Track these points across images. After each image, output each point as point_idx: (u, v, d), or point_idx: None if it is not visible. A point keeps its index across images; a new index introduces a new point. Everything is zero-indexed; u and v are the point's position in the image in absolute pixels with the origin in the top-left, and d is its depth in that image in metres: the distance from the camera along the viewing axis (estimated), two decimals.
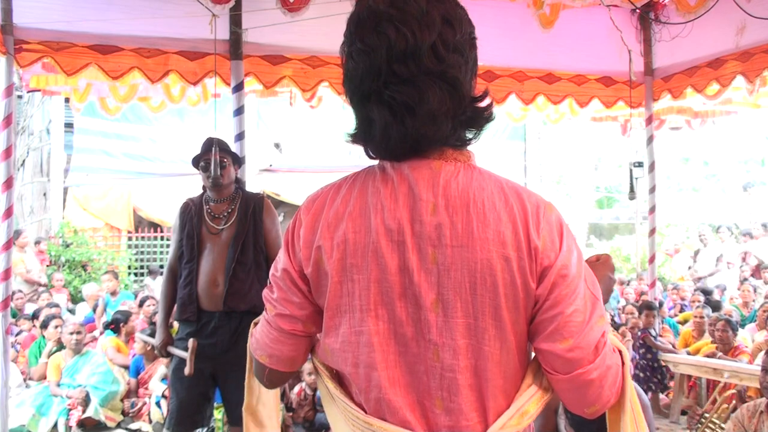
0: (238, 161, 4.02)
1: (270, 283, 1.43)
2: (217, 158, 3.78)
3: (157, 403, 6.15)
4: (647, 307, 6.43)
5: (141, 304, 7.83)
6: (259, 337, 1.46)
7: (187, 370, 3.66)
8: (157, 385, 6.23)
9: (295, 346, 1.42)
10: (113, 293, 8.87)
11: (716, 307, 7.89)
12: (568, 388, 1.29)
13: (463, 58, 1.30)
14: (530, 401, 1.30)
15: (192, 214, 3.85)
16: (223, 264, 3.72)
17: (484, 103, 1.34)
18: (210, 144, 3.83)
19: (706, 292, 9.69)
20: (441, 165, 1.30)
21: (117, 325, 7.15)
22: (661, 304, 7.39)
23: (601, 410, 1.33)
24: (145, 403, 6.28)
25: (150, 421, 6.18)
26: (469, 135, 1.35)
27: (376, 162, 1.37)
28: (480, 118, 1.34)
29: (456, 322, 1.25)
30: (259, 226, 3.81)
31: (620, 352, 1.35)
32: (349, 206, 1.31)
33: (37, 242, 10.31)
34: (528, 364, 1.34)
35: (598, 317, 1.28)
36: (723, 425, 4.61)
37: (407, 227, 1.27)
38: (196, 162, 3.89)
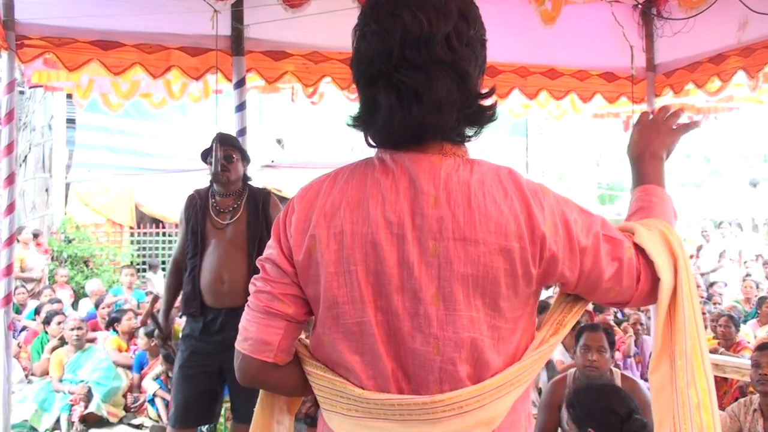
0: (247, 157, 4.00)
1: (258, 260, 1.42)
2: (218, 154, 3.77)
3: (150, 401, 6.16)
4: None
5: (143, 299, 7.87)
6: (239, 325, 1.41)
7: (140, 321, 3.76)
8: (150, 384, 6.23)
9: (267, 325, 1.35)
10: (130, 287, 8.91)
11: (708, 297, 7.93)
12: (636, 303, 1.42)
13: (473, 54, 1.31)
14: (562, 313, 1.41)
15: (197, 208, 3.82)
16: (229, 261, 3.69)
17: (488, 102, 1.35)
18: (215, 139, 3.83)
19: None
20: (441, 159, 1.30)
21: (112, 324, 7.18)
22: None
23: (654, 281, 1.41)
24: (146, 399, 6.29)
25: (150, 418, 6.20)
26: (470, 132, 1.36)
27: (373, 153, 1.38)
28: (483, 116, 1.34)
29: (457, 315, 1.25)
30: (269, 222, 3.79)
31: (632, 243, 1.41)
32: (347, 196, 1.31)
33: (36, 235, 10.23)
34: (530, 343, 1.36)
35: (620, 249, 1.36)
36: None
37: (408, 220, 1.27)
38: (204, 157, 3.89)
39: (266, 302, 1.36)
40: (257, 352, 1.36)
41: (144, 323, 3.86)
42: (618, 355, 6.36)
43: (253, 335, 1.36)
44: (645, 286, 1.38)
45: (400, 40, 1.26)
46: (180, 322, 4.04)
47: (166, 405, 5.97)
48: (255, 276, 1.41)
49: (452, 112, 1.29)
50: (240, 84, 5.02)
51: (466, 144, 1.37)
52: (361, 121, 1.35)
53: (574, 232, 1.30)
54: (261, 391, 1.54)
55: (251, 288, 1.40)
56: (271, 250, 1.39)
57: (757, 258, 11.17)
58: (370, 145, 1.37)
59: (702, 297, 8.21)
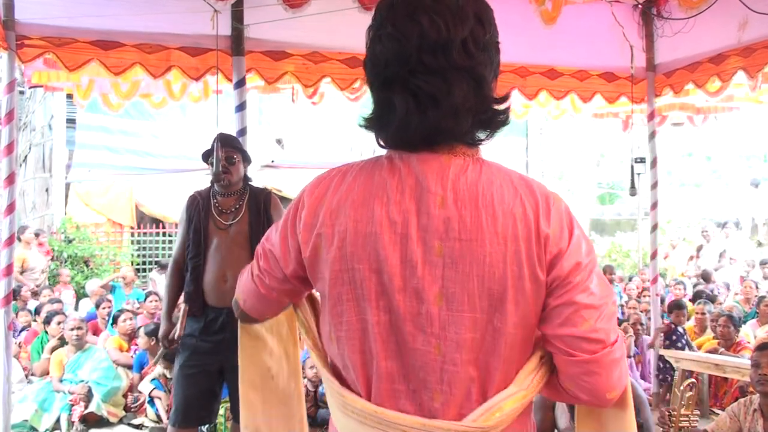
0: (248, 158, 4.00)
1: (262, 244, 1.50)
2: (218, 154, 3.76)
3: (150, 401, 6.16)
4: (677, 307, 6.63)
5: (144, 299, 7.86)
6: (242, 279, 1.59)
7: (176, 335, 3.71)
8: (146, 386, 6.22)
9: (266, 304, 1.58)
10: (127, 284, 8.90)
11: (711, 299, 7.93)
12: (592, 370, 1.28)
13: (489, 59, 1.31)
14: (507, 400, 1.28)
15: (199, 208, 3.81)
16: (233, 260, 3.69)
17: (502, 106, 1.34)
18: (216, 140, 3.82)
19: (705, 278, 9.84)
20: (450, 159, 1.30)
21: (115, 321, 7.19)
22: (663, 300, 7.40)
23: (619, 395, 1.34)
24: (146, 400, 6.29)
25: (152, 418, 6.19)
26: (482, 135, 1.35)
27: (371, 153, 1.38)
28: (497, 121, 1.34)
29: (462, 316, 1.25)
30: (271, 222, 3.79)
31: None
32: (352, 195, 1.31)
33: (37, 234, 10.21)
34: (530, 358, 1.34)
35: (613, 303, 1.31)
36: (694, 413, 4.60)
37: (413, 220, 1.27)
38: (205, 157, 3.89)
39: (266, 291, 1.51)
40: (254, 314, 1.64)
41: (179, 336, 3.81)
42: None
43: (251, 304, 1.60)
44: (617, 354, 1.30)
45: (417, 44, 1.25)
46: None
47: (166, 405, 5.98)
48: (258, 253, 1.51)
49: (468, 117, 1.28)
50: (240, 84, 5.02)
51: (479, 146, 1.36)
52: (373, 123, 1.34)
53: (577, 243, 1.28)
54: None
55: (255, 269, 1.52)
56: (275, 242, 1.43)
57: (752, 264, 11.18)
58: (381, 146, 1.37)
59: (703, 297, 8.19)
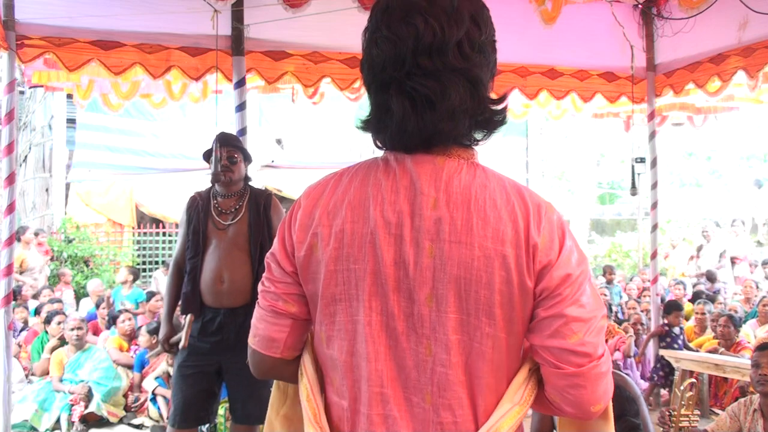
0: (249, 157, 3.99)
1: (266, 257, 1.45)
2: (218, 154, 3.75)
3: (152, 400, 6.16)
4: (676, 308, 6.60)
5: (148, 299, 7.86)
6: (252, 321, 1.47)
7: (181, 344, 3.68)
8: (150, 384, 6.23)
9: (274, 323, 1.40)
10: (125, 282, 8.90)
11: (711, 299, 7.94)
12: (578, 383, 1.27)
13: (485, 59, 1.31)
14: (504, 418, 1.27)
15: (199, 209, 3.80)
16: (230, 261, 3.68)
17: (499, 107, 1.34)
18: (216, 140, 3.82)
19: (711, 278, 9.85)
20: (444, 161, 1.30)
21: (114, 321, 7.19)
22: (663, 300, 7.40)
23: (603, 408, 1.32)
24: (147, 398, 6.29)
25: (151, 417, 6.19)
26: (479, 136, 1.35)
27: (380, 153, 1.38)
28: (494, 121, 1.34)
29: (448, 317, 1.25)
30: (269, 224, 3.80)
31: None
32: (349, 195, 1.31)
33: (36, 234, 10.19)
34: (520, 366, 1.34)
35: (602, 317, 1.29)
36: (694, 413, 4.60)
37: (407, 221, 1.27)
38: (206, 157, 3.88)
39: (272, 302, 1.40)
40: (265, 348, 1.42)
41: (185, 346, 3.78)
42: (618, 354, 6.36)
43: (261, 332, 1.42)
44: (603, 368, 1.29)
45: (413, 47, 1.25)
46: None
47: (168, 404, 5.98)
48: (264, 275, 1.44)
49: (465, 119, 1.28)
50: (240, 84, 5.03)
51: (475, 147, 1.36)
52: (371, 125, 1.34)
53: (567, 255, 1.27)
54: (274, 382, 1.59)
55: (260, 287, 1.44)
56: (275, 248, 1.41)
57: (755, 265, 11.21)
58: (378, 147, 1.37)
59: (702, 297, 8.20)
